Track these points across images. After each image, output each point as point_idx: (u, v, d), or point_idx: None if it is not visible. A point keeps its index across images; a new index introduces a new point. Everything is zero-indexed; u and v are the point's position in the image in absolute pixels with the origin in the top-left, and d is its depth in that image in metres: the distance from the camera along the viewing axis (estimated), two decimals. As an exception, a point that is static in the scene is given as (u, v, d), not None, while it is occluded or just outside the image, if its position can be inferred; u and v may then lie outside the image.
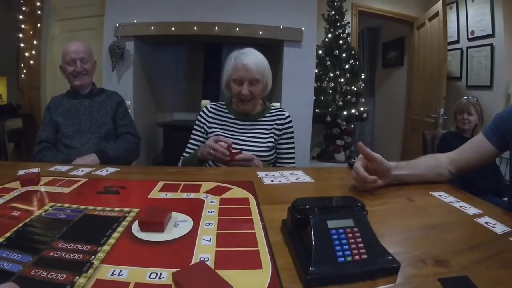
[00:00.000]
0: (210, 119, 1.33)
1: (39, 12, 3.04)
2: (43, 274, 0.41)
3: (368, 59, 5.11)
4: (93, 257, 0.45)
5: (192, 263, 0.45)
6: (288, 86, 2.75)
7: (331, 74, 3.15)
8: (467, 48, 3.29)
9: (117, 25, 2.56)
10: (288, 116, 1.35)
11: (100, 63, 2.53)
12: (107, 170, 0.95)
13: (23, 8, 3.07)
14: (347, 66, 3.18)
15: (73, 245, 0.49)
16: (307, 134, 2.82)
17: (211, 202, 0.69)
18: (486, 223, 0.62)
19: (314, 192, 0.85)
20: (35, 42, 3.06)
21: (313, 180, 0.90)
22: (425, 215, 0.68)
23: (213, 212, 0.64)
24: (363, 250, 0.44)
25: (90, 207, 0.64)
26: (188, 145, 1.34)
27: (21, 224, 0.55)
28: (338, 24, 3.19)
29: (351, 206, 0.51)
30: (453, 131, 2.10)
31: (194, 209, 0.64)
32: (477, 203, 0.74)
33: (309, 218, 0.47)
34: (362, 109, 3.17)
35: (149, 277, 0.42)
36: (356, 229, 0.46)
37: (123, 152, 1.46)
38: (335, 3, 3.18)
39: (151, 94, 3.17)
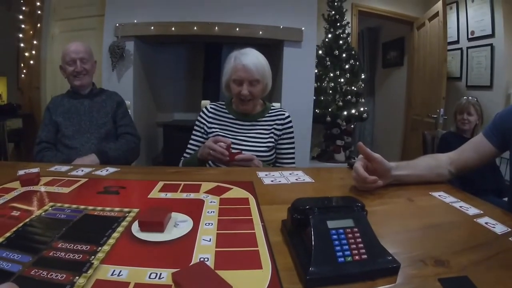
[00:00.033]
0: (210, 120, 1.33)
1: (39, 12, 3.04)
2: (43, 274, 0.41)
3: (368, 59, 5.11)
4: (93, 257, 0.45)
5: (192, 263, 0.44)
6: (288, 86, 2.75)
7: (331, 74, 3.15)
8: (467, 48, 3.29)
9: (117, 25, 2.56)
10: (288, 116, 1.35)
11: (100, 63, 2.53)
12: (107, 170, 0.95)
13: (23, 8, 3.07)
14: (347, 66, 3.18)
15: (73, 245, 0.49)
16: (307, 134, 2.82)
17: (211, 202, 0.69)
18: (486, 223, 0.62)
19: (314, 192, 0.85)
20: (35, 42, 3.06)
21: (313, 180, 0.90)
22: (425, 215, 0.68)
23: (213, 212, 0.64)
24: (363, 250, 0.44)
25: (90, 207, 0.64)
26: (189, 146, 1.34)
27: (21, 224, 0.55)
28: (338, 24, 3.19)
29: (351, 206, 0.51)
30: (453, 131, 2.10)
31: (194, 209, 0.64)
32: (477, 203, 0.74)
33: (309, 218, 0.47)
34: (362, 109, 3.17)
35: (149, 277, 0.42)
36: (356, 229, 0.46)
37: (123, 152, 1.46)
38: (335, 3, 3.18)
39: (151, 94, 3.17)
